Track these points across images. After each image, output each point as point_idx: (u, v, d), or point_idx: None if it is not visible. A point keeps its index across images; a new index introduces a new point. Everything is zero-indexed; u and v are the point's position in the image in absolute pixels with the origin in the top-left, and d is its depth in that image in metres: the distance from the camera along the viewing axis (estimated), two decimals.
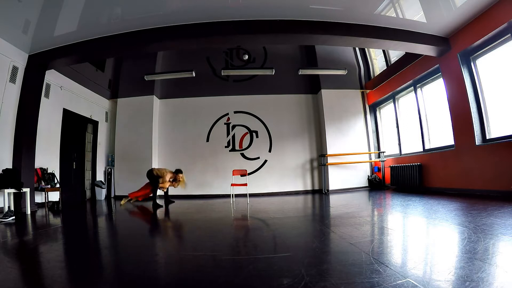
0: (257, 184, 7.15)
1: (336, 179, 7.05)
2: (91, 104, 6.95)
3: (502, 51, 4.14)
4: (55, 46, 4.84)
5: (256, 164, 7.47)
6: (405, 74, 6.17)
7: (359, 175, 7.27)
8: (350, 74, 7.36)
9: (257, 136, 7.59)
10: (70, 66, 5.86)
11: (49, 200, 5.17)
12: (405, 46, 5.00)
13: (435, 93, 5.56)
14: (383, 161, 7.00)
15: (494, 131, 4.37)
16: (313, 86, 7.74)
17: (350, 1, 4.21)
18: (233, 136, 7.60)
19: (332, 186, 6.98)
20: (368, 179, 7.25)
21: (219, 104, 7.69)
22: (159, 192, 5.56)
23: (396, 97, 6.78)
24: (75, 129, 6.57)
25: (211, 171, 7.37)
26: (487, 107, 4.47)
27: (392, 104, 6.98)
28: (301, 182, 7.42)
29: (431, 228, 2.53)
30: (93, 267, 1.82)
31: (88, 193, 6.92)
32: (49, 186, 5.17)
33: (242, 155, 7.52)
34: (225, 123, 7.65)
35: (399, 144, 6.75)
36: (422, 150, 5.90)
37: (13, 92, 4.62)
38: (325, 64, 7.31)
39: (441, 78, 5.20)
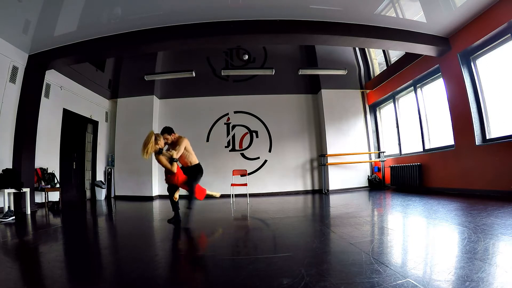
0: (257, 184, 7.15)
1: (336, 179, 7.05)
2: (91, 104, 6.94)
3: (502, 51, 4.14)
4: (55, 46, 4.83)
5: (256, 164, 7.47)
6: (405, 74, 6.16)
7: (359, 175, 7.27)
8: (350, 74, 7.36)
9: (257, 136, 7.59)
10: (70, 66, 5.86)
11: (49, 200, 5.17)
12: (405, 46, 5.00)
13: (435, 93, 5.55)
14: (383, 161, 7.00)
15: (494, 131, 4.37)
16: (313, 86, 7.74)
17: (350, 1, 4.21)
18: (233, 136, 7.60)
19: (332, 186, 6.97)
20: (368, 179, 7.25)
21: (219, 104, 7.68)
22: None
23: (396, 97, 6.78)
24: (75, 129, 6.56)
25: (211, 171, 7.33)
26: (487, 107, 4.46)
27: (392, 104, 6.98)
28: (301, 182, 7.41)
29: (431, 228, 2.53)
30: (93, 267, 1.82)
31: (88, 193, 6.92)
32: (49, 186, 5.17)
33: (242, 155, 7.52)
34: (225, 123, 7.65)
35: (399, 144, 6.74)
36: (422, 150, 5.89)
37: (13, 92, 4.62)
38: (325, 64, 7.30)
39: (441, 78, 5.19)
